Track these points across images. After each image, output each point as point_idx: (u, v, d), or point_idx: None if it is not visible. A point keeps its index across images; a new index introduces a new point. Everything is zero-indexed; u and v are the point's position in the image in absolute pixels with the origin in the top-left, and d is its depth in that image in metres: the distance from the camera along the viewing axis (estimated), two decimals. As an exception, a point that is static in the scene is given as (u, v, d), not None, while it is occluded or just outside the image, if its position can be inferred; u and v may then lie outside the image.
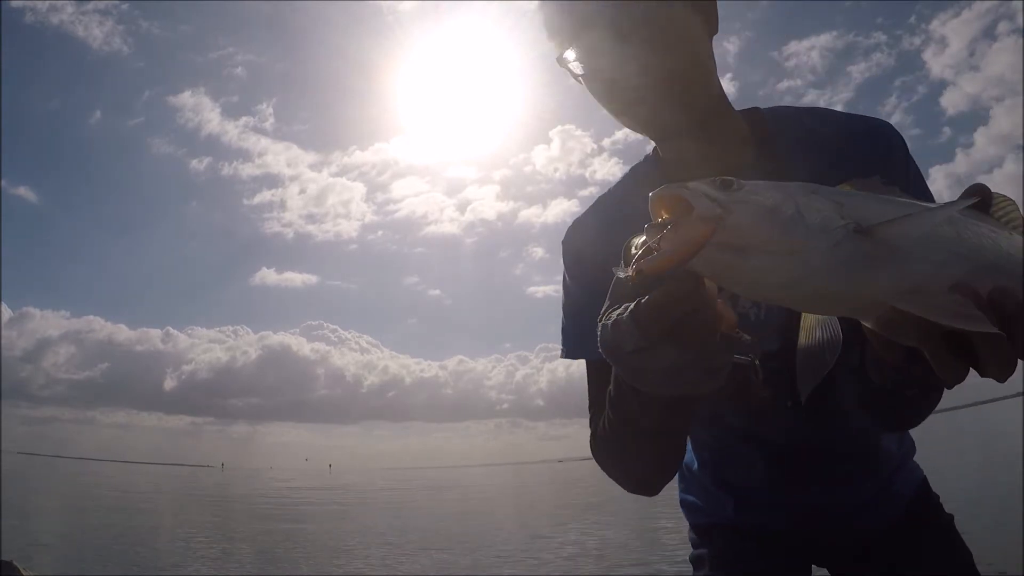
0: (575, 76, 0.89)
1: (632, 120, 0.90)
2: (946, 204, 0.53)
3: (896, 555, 1.08)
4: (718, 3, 0.91)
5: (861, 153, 0.89)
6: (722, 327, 0.56)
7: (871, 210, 0.52)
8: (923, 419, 0.83)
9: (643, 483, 0.89)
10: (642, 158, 1.04)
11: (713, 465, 1.16)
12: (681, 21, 0.83)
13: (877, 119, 0.96)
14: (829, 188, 0.55)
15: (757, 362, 0.67)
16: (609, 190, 1.05)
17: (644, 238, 0.54)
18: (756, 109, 0.99)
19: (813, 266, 0.48)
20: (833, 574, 1.16)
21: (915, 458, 1.19)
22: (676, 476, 1.22)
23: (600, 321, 0.59)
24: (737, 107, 0.97)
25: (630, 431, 0.77)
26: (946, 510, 1.16)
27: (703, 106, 0.88)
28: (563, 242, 1.04)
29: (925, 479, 1.17)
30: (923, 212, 0.52)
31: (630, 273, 0.50)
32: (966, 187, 0.56)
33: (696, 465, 1.20)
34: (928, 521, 1.12)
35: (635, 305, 0.55)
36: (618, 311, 0.57)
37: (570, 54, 0.86)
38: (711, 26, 0.90)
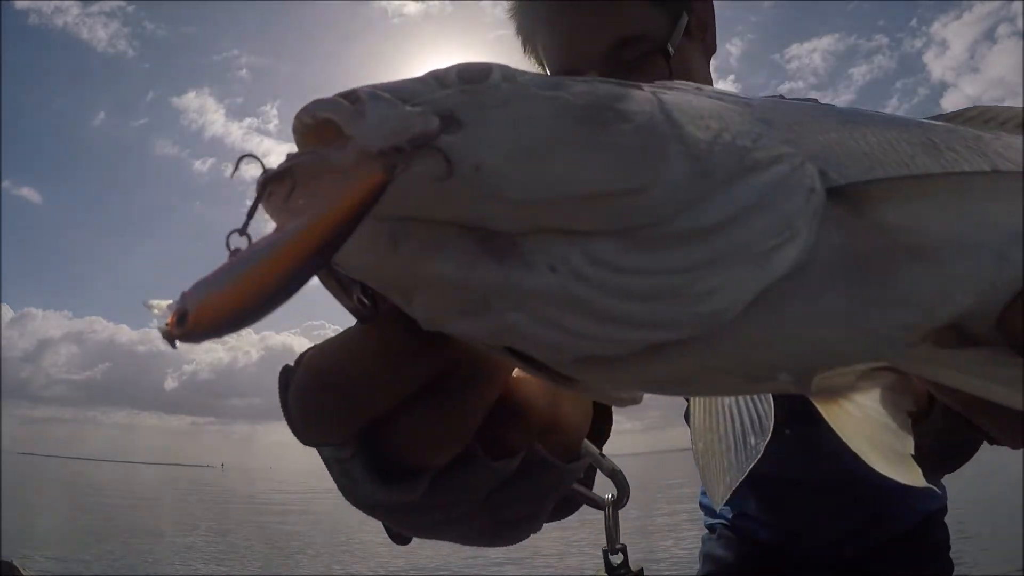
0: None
1: None
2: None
3: None
4: (720, 10, 0.92)
5: None
6: (526, 425, 0.28)
7: (844, 144, 0.26)
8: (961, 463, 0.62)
9: None
10: None
11: None
12: (672, 36, 0.83)
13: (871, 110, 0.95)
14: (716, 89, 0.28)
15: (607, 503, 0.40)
16: None
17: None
18: None
19: (738, 282, 0.22)
20: None
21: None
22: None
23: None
24: None
25: None
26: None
27: None
28: None
29: (939, 511, 1.10)
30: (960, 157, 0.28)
31: (167, 323, 0.19)
32: None
33: None
34: (919, 560, 1.08)
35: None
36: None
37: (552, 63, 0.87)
38: (707, 45, 0.91)
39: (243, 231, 0.20)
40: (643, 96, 0.24)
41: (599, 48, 0.81)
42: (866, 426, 0.30)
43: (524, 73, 0.25)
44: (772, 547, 1.15)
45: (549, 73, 0.89)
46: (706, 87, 0.28)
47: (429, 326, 0.22)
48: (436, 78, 0.23)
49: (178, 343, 0.19)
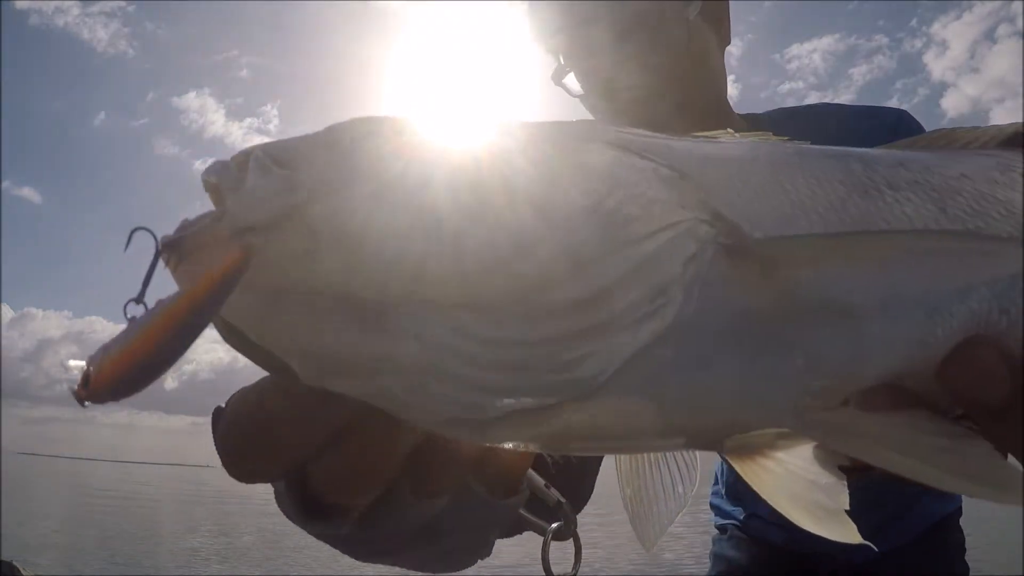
0: (560, 78, 0.89)
1: (629, 121, 0.90)
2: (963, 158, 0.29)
3: None
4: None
5: (866, 136, 0.86)
6: (453, 465, 0.27)
7: (767, 193, 0.25)
8: None
9: None
10: None
11: (726, 475, 1.22)
12: (683, 24, 0.83)
13: (887, 107, 0.94)
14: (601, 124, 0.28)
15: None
16: None
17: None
18: (754, 115, 0.98)
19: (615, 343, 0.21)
20: None
21: None
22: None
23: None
24: (739, 111, 0.97)
25: None
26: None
27: (703, 109, 0.87)
28: None
29: (954, 513, 1.10)
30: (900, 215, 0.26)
31: (77, 385, 0.20)
32: None
33: (720, 471, 1.25)
34: (934, 564, 1.07)
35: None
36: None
37: (561, 54, 0.86)
38: (722, 36, 0.90)
39: (139, 299, 0.22)
40: (528, 160, 0.23)
41: (608, 35, 0.81)
42: (789, 483, 0.29)
43: (413, 135, 0.24)
44: (783, 549, 1.15)
45: (561, 62, 0.87)
46: (634, 131, 0.28)
47: (309, 383, 0.22)
48: (327, 142, 0.23)
49: (87, 403, 0.20)
